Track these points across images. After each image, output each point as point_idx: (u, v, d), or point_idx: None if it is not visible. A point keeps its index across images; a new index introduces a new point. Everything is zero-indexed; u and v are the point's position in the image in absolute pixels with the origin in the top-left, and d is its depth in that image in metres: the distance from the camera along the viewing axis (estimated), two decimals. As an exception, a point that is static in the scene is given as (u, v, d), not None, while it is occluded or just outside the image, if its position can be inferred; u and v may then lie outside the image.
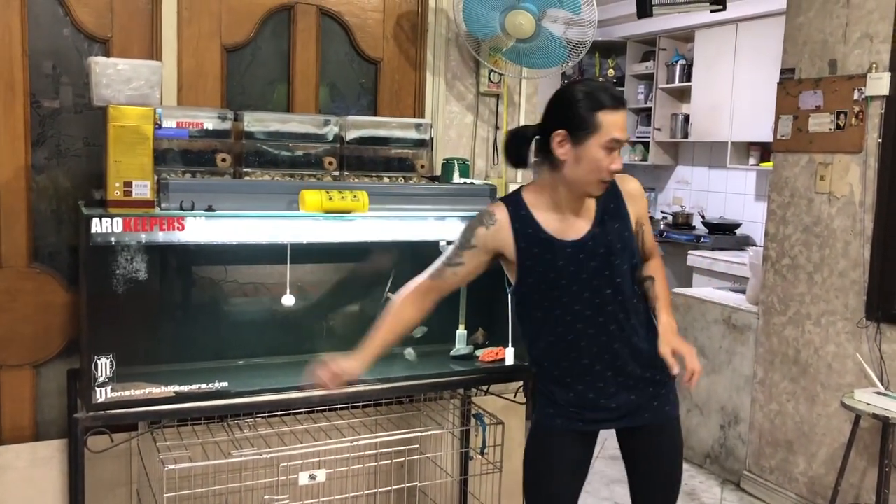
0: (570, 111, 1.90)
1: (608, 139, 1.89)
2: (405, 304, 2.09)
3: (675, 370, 1.99)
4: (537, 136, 2.01)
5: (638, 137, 7.16)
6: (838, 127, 3.40)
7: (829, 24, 3.44)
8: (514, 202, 2.03)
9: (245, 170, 2.49)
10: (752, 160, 6.01)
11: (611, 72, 7.41)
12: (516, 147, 2.06)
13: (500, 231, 2.01)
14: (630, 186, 2.09)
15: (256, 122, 2.52)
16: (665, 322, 2.07)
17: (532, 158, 2.07)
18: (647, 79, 7.02)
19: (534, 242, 2.00)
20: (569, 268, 1.99)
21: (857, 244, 3.33)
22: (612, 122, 1.89)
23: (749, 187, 6.28)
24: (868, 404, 2.93)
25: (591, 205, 2.03)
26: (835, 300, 3.42)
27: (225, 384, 2.29)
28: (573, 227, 2.01)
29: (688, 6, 3.46)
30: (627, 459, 2.20)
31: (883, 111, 3.23)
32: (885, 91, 3.20)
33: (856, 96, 3.31)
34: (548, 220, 2.01)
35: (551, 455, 2.11)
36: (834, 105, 3.41)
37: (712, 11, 3.49)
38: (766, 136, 4.86)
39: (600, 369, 2.04)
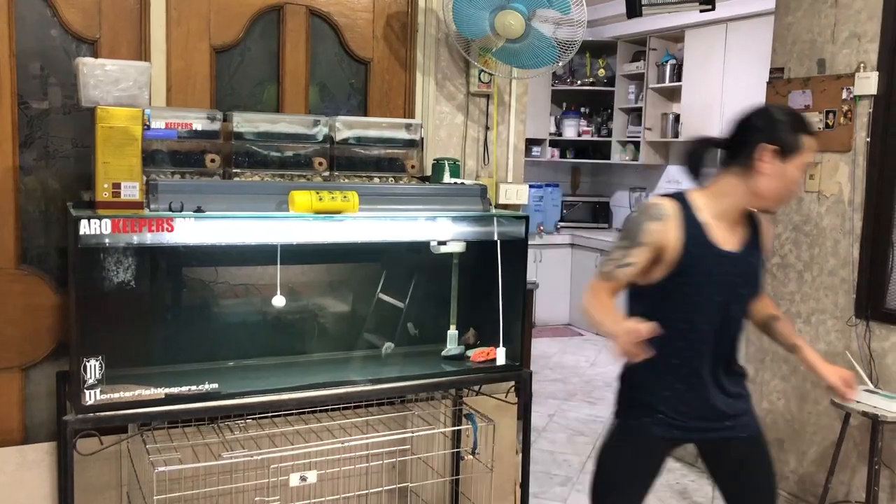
0: (784, 130, 1.99)
1: (807, 162, 2.02)
2: (609, 298, 2.04)
3: (852, 396, 2.14)
4: (723, 147, 2.10)
5: (628, 137, 7.18)
6: (827, 126, 3.41)
7: (818, 23, 3.46)
8: (682, 200, 2.06)
9: (234, 170, 2.48)
10: (742, 159, 6.03)
11: (601, 71, 7.42)
12: (702, 156, 2.13)
13: (669, 229, 2.01)
14: (766, 224, 2.20)
15: (245, 122, 2.51)
16: (817, 356, 2.21)
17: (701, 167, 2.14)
18: (638, 79, 7.04)
19: (696, 243, 2.02)
20: (717, 277, 2.04)
21: (846, 243, 3.34)
22: (813, 147, 2.02)
23: (739, 186, 6.30)
24: (858, 402, 2.94)
25: (743, 225, 2.11)
26: (824, 298, 3.43)
27: (215, 386, 2.28)
28: (729, 239, 2.07)
29: (677, 6, 3.47)
30: (725, 475, 2.18)
31: (871, 110, 3.24)
32: (873, 90, 3.21)
33: (844, 95, 3.33)
34: (711, 226, 2.05)
35: (642, 462, 2.11)
36: (823, 104, 3.42)
37: (702, 11, 3.50)
38: (755, 135, 4.87)
39: (711, 378, 2.08)
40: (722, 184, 2.07)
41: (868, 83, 3.23)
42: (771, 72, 3.69)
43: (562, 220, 7.37)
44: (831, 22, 3.40)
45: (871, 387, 3.07)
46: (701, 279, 2.03)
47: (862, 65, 3.26)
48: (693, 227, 2.03)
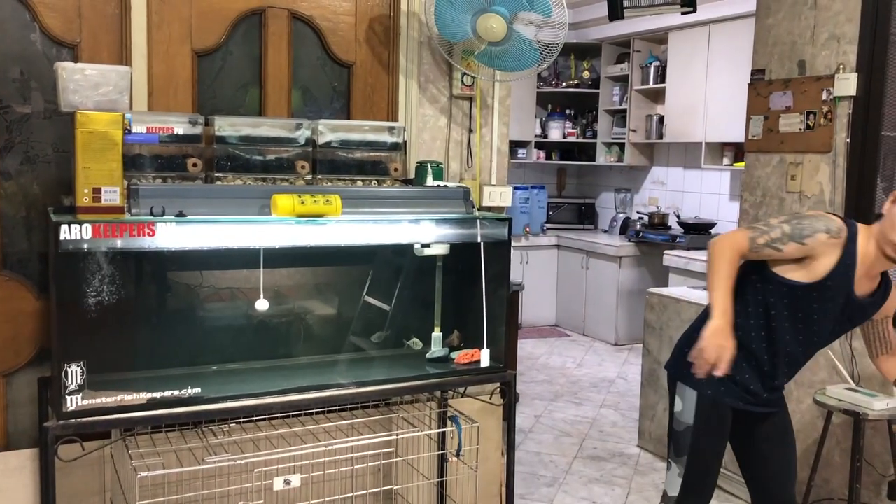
0: None
1: None
2: (733, 265, 2.22)
3: None
4: None
5: (613, 139, 7.21)
6: (808, 127, 3.44)
7: (798, 25, 3.49)
8: (853, 234, 2.21)
9: (216, 174, 2.47)
10: (725, 160, 6.07)
11: (586, 73, 7.45)
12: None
13: (834, 247, 2.18)
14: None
15: (228, 126, 2.50)
16: None
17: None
18: (622, 80, 7.07)
19: (842, 275, 2.20)
20: (833, 305, 2.24)
21: (827, 242, 3.37)
22: None
23: (723, 187, 6.34)
24: (839, 400, 2.96)
25: (875, 280, 2.28)
26: (806, 298, 3.45)
27: (198, 390, 2.28)
28: (862, 283, 2.25)
29: (658, 8, 3.49)
30: (760, 440, 2.45)
31: (851, 111, 3.27)
32: (853, 91, 3.24)
33: (824, 97, 3.36)
34: (858, 265, 2.22)
35: (721, 421, 2.38)
36: (803, 105, 3.45)
37: (683, 13, 3.53)
38: (739, 136, 4.90)
39: (775, 373, 2.36)
40: (875, 227, 2.24)
41: (847, 84, 3.26)
42: (752, 73, 3.72)
43: (548, 221, 7.39)
44: (811, 24, 3.43)
45: (852, 385, 3.09)
46: (827, 305, 2.24)
47: (841, 66, 3.29)
48: (848, 260, 2.20)
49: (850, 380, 3.15)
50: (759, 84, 3.66)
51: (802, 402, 3.47)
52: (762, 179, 3.67)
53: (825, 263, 2.19)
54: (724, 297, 2.18)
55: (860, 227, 2.23)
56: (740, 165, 5.48)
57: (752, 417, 2.42)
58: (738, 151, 5.89)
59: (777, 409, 2.43)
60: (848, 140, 3.28)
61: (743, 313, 2.31)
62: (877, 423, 3.06)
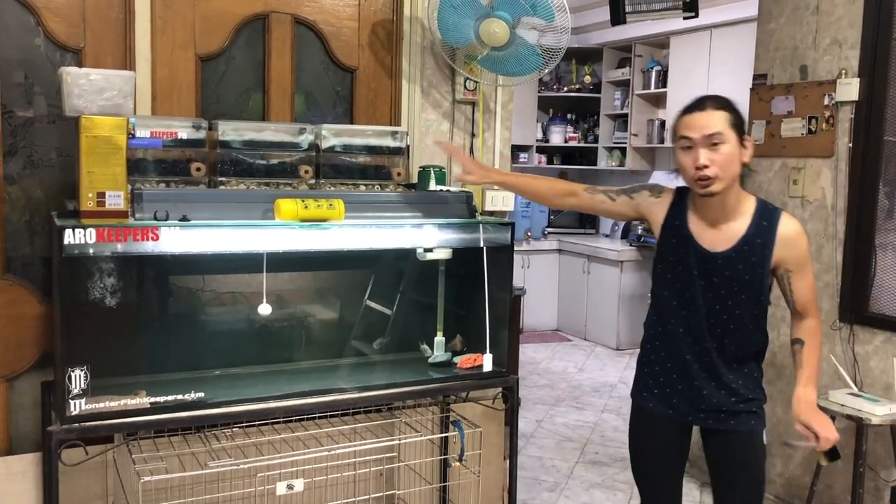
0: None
1: (679, 139, 2.09)
2: (550, 181, 2.43)
3: (812, 443, 2.08)
4: None
5: (615, 143, 7.22)
6: (810, 132, 3.44)
7: (800, 30, 3.49)
8: (683, 194, 2.22)
9: (220, 179, 2.48)
10: (727, 165, 6.07)
11: (587, 78, 7.46)
12: None
13: (657, 206, 2.23)
14: (786, 229, 2.11)
15: (231, 131, 2.50)
16: (801, 394, 2.11)
17: None
18: (624, 85, 7.08)
19: (674, 233, 2.19)
20: (694, 270, 2.15)
21: (829, 247, 3.37)
22: (683, 124, 2.09)
23: (725, 192, 6.34)
24: (842, 405, 2.96)
25: (738, 227, 2.12)
26: (809, 303, 3.45)
27: (201, 394, 2.28)
28: (714, 238, 2.14)
29: (661, 13, 3.50)
30: (711, 463, 2.27)
31: (853, 116, 3.28)
32: (855, 96, 3.24)
33: (826, 101, 3.36)
34: (696, 221, 2.17)
35: (647, 429, 2.28)
36: (805, 110, 3.46)
37: (685, 18, 3.53)
38: (740, 141, 4.91)
39: (700, 367, 2.17)
40: None
41: (849, 89, 3.26)
42: (754, 78, 3.72)
43: (549, 225, 7.40)
44: (813, 29, 3.43)
45: (855, 390, 3.09)
46: (678, 267, 2.18)
47: (843, 71, 3.30)
48: (678, 219, 2.18)
49: (852, 385, 3.15)
50: (761, 89, 3.67)
51: (805, 406, 3.46)
52: (764, 184, 3.67)
53: (657, 224, 2.22)
54: (503, 172, 2.42)
55: None
56: (742, 170, 5.49)
57: (715, 438, 2.20)
58: (739, 156, 5.88)
59: (735, 423, 2.16)
60: (850, 145, 3.29)
61: (651, 314, 2.29)
62: (879, 429, 3.06)
